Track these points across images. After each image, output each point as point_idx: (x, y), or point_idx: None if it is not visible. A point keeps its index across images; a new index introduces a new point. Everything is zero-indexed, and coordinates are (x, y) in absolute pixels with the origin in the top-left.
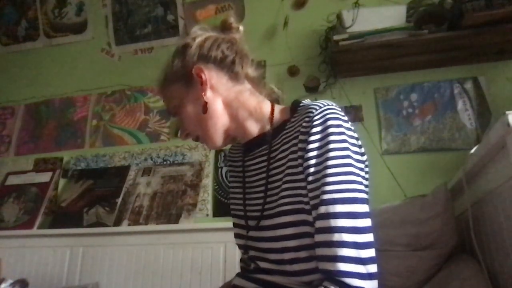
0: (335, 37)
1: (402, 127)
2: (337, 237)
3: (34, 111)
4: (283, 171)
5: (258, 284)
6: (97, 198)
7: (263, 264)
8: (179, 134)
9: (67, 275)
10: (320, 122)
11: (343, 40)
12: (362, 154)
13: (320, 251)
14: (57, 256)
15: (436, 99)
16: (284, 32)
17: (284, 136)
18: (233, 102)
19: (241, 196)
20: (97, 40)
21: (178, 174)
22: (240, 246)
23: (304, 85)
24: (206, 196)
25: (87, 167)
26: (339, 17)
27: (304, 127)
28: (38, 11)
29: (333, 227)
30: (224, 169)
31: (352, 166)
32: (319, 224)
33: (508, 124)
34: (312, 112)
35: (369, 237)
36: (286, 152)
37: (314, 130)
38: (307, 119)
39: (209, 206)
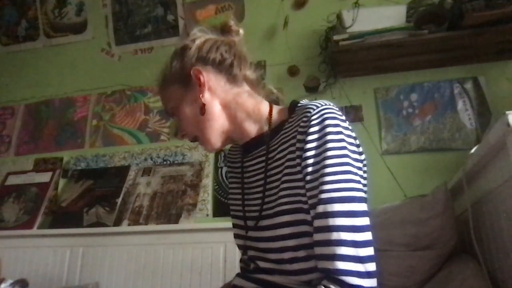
0: (335, 37)
1: (402, 127)
2: (335, 236)
3: (34, 111)
4: (281, 171)
5: (258, 284)
6: (97, 198)
7: (262, 264)
8: (177, 134)
9: (67, 275)
10: (318, 122)
11: (343, 40)
12: (360, 154)
13: (319, 250)
14: (57, 256)
15: (436, 99)
16: (284, 32)
17: (282, 136)
18: (231, 104)
19: (240, 196)
20: (97, 40)
21: (178, 174)
22: (239, 246)
23: (304, 85)
24: (206, 196)
25: (87, 167)
26: (339, 17)
27: (302, 127)
28: (38, 11)
29: (331, 226)
30: (224, 169)
31: (350, 165)
32: (318, 223)
33: (508, 124)
34: (310, 112)
35: (367, 236)
36: (284, 152)
37: (312, 129)
38: (304, 119)
39: (209, 206)
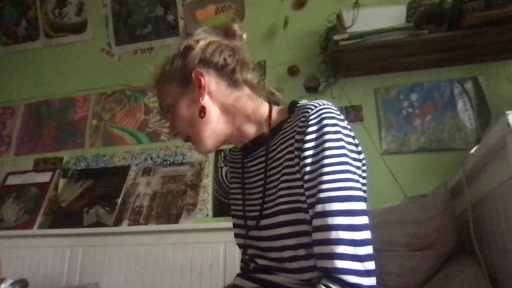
0: (335, 37)
1: (402, 127)
2: (334, 235)
3: (34, 111)
4: (280, 171)
5: (258, 284)
6: (97, 198)
7: (263, 262)
8: (169, 132)
9: (67, 275)
10: (316, 122)
11: (343, 40)
12: (358, 153)
13: (318, 249)
14: (57, 256)
15: (436, 99)
16: (284, 32)
17: (281, 137)
18: (230, 108)
19: (240, 197)
20: (97, 40)
21: (178, 174)
22: (240, 246)
23: (304, 85)
24: (206, 196)
25: (87, 167)
26: (339, 17)
27: (300, 126)
28: (38, 11)
29: (330, 225)
30: (224, 169)
31: (348, 164)
32: (316, 222)
33: (508, 124)
34: (308, 112)
35: (366, 235)
36: (283, 152)
37: (310, 129)
38: (303, 118)
39: (209, 206)
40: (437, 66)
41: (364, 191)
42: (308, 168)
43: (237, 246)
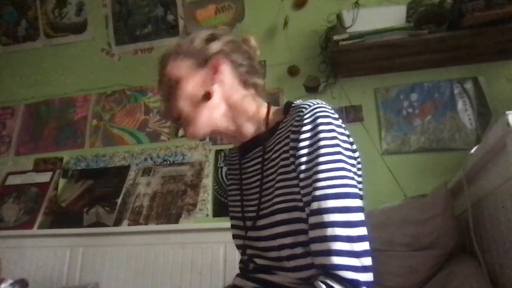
0: (335, 37)
1: (402, 127)
2: (330, 231)
3: (34, 111)
4: (276, 171)
5: (257, 283)
6: (97, 198)
7: (262, 262)
8: (161, 112)
9: (67, 275)
10: (310, 121)
11: (343, 40)
12: (353, 151)
13: (315, 247)
14: (57, 256)
15: (436, 99)
16: (284, 32)
17: (277, 137)
18: (235, 103)
19: (238, 198)
20: (97, 40)
21: (178, 174)
22: (238, 247)
23: (304, 85)
24: (206, 196)
25: (87, 167)
26: (339, 17)
27: (295, 126)
28: (38, 11)
29: (326, 222)
30: (224, 169)
31: (343, 162)
32: (313, 220)
33: (508, 124)
34: (302, 111)
35: (362, 231)
36: (279, 152)
37: (305, 128)
38: (297, 118)
39: (209, 206)
40: (437, 66)
41: (360, 189)
42: (303, 167)
43: (236, 247)
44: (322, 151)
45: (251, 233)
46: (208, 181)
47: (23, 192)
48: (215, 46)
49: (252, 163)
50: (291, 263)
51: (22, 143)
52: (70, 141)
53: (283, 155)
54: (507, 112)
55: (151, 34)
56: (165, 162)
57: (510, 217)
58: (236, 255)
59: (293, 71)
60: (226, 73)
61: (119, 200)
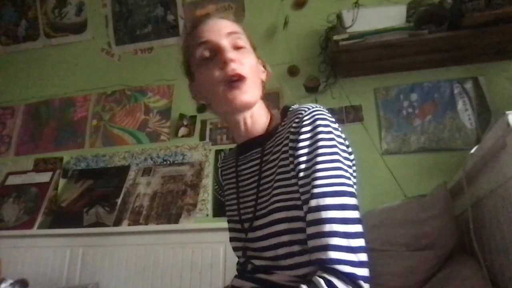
0: (335, 37)
1: (402, 127)
2: (328, 227)
3: (34, 111)
4: (274, 172)
5: (256, 283)
6: (97, 198)
7: (259, 262)
8: (228, 54)
9: (67, 275)
10: (309, 123)
11: (343, 40)
12: (349, 154)
13: (312, 243)
14: (57, 256)
15: (436, 99)
16: (284, 32)
17: (276, 139)
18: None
19: (235, 201)
20: (97, 40)
21: (178, 174)
22: (236, 249)
23: (304, 85)
24: (206, 196)
25: (87, 167)
26: (339, 17)
27: (294, 127)
28: (38, 11)
29: (324, 218)
30: (219, 171)
31: (340, 162)
32: (310, 217)
33: (508, 124)
34: (302, 114)
35: (358, 228)
36: (277, 154)
37: (304, 129)
38: (296, 120)
39: (209, 206)
40: (437, 66)
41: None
42: (302, 166)
43: (233, 249)
44: (321, 151)
45: (249, 235)
46: (208, 181)
47: (23, 192)
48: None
49: (249, 165)
50: (288, 261)
51: (22, 143)
52: (70, 141)
53: (282, 156)
54: (507, 112)
55: (151, 34)
56: (165, 162)
57: (510, 217)
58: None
59: (293, 71)
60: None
61: (119, 200)
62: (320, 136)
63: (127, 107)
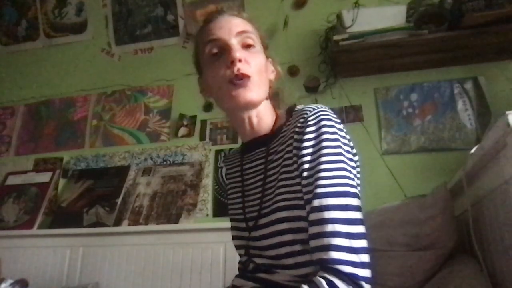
0: (335, 37)
1: (402, 127)
2: (330, 228)
3: (34, 111)
4: (278, 171)
5: (257, 283)
6: (97, 198)
7: (261, 261)
8: (235, 54)
9: (67, 275)
10: (314, 123)
11: (343, 40)
12: (354, 155)
13: (314, 243)
14: (57, 256)
15: (436, 99)
16: (284, 32)
17: (280, 139)
18: (266, 100)
19: (240, 200)
20: (97, 40)
21: (178, 174)
22: (238, 247)
23: (304, 85)
24: (206, 196)
25: (87, 167)
26: (339, 17)
27: (299, 127)
28: (38, 11)
29: (326, 218)
30: (224, 169)
31: (344, 163)
32: (313, 216)
33: (508, 124)
34: (307, 114)
35: (361, 229)
36: (282, 153)
37: (309, 129)
38: (301, 119)
39: (209, 206)
40: (437, 66)
41: (359, 191)
42: (306, 166)
43: (235, 248)
44: (325, 151)
45: (253, 233)
46: (208, 181)
47: (23, 192)
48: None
49: (254, 164)
50: (290, 261)
51: (22, 143)
52: (70, 141)
53: (286, 155)
54: (507, 112)
55: (151, 34)
56: (165, 162)
57: (510, 217)
58: (236, 255)
59: (293, 71)
60: (273, 72)
61: (119, 200)
62: (325, 136)
63: (127, 107)
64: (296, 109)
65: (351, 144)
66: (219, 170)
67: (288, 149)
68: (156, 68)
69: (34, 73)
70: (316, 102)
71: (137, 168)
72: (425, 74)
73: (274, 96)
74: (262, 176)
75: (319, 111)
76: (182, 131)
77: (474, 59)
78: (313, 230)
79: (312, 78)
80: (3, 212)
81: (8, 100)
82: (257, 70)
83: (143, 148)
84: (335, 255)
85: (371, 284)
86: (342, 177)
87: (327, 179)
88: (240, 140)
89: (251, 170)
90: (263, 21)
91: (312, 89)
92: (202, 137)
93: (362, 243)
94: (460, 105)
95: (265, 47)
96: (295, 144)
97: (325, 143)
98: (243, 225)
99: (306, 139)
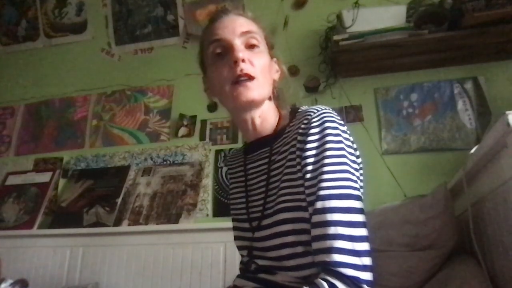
0: (335, 37)
1: (402, 127)
2: (332, 230)
3: (34, 111)
4: (281, 171)
5: (258, 283)
6: (97, 198)
7: (263, 262)
8: (238, 54)
9: (67, 275)
10: (318, 124)
11: (343, 40)
12: (357, 157)
13: (316, 245)
14: (57, 256)
15: (436, 99)
16: (284, 32)
17: (283, 140)
18: (270, 101)
19: (243, 200)
20: (97, 40)
21: (178, 174)
22: (240, 248)
23: (304, 85)
24: (206, 196)
25: (87, 167)
26: (339, 17)
27: (302, 128)
28: (38, 11)
29: (329, 221)
30: (224, 169)
31: (348, 165)
32: (316, 218)
33: (508, 124)
34: (310, 115)
35: (363, 231)
36: (285, 154)
37: (312, 131)
38: (305, 121)
39: (209, 206)
40: (437, 66)
41: (362, 193)
42: (309, 168)
43: (237, 249)
44: (328, 153)
45: (256, 234)
46: (208, 181)
47: (23, 192)
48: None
49: (257, 164)
50: (291, 262)
51: (22, 143)
52: (70, 141)
53: (290, 156)
54: (507, 112)
55: (151, 34)
56: (165, 162)
57: (510, 217)
58: (236, 255)
59: (293, 71)
60: (278, 71)
61: (119, 200)
62: (328, 138)
63: (127, 107)
64: (299, 110)
65: (355, 146)
66: (219, 170)
67: (291, 150)
68: (156, 68)
69: (34, 73)
70: (316, 102)
71: (137, 168)
72: (425, 74)
73: (278, 96)
74: (265, 176)
75: (323, 113)
76: (182, 131)
77: (474, 59)
78: (316, 232)
79: (312, 78)
80: (3, 212)
81: (8, 100)
82: (260, 71)
83: (143, 148)
84: (337, 257)
85: (372, 287)
86: (345, 179)
87: (330, 181)
88: (240, 140)
89: (254, 170)
90: (263, 21)
91: (312, 89)
92: (202, 137)
93: (365, 246)
94: (460, 105)
95: (270, 47)
96: (298, 145)
97: (328, 145)
98: (246, 225)
99: (310, 140)
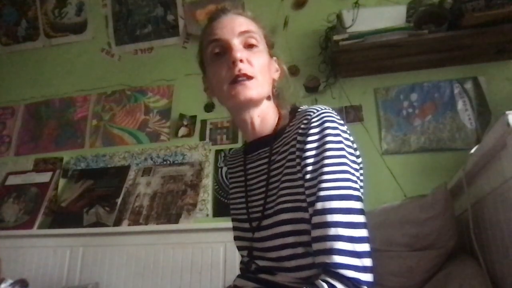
0: (335, 37)
1: (402, 127)
2: (333, 231)
3: (34, 111)
4: (281, 172)
5: (258, 284)
6: (97, 198)
7: (263, 263)
8: (236, 54)
9: (67, 275)
10: (318, 124)
11: (343, 40)
12: (357, 157)
13: (317, 246)
14: (57, 256)
15: (436, 99)
16: (284, 32)
17: (283, 140)
18: (271, 97)
19: (243, 200)
20: (97, 40)
21: (178, 174)
22: (240, 248)
23: (304, 85)
24: (206, 196)
25: (87, 167)
26: (339, 17)
27: (302, 128)
28: (38, 11)
29: (329, 222)
30: (224, 169)
31: (348, 165)
32: (316, 219)
33: (508, 124)
34: (310, 115)
35: (364, 232)
36: (285, 154)
37: (312, 131)
38: (305, 121)
39: (209, 206)
40: (437, 66)
41: (362, 194)
42: (309, 168)
43: (237, 249)
44: (328, 153)
45: (256, 234)
46: (208, 181)
47: (23, 192)
48: (273, 41)
49: (257, 163)
50: (292, 263)
51: (22, 143)
52: (70, 141)
53: (289, 156)
54: (507, 112)
55: (151, 34)
56: (165, 162)
57: (510, 217)
58: (236, 255)
59: (293, 71)
60: (278, 71)
61: (119, 200)
62: (328, 138)
63: (127, 107)
64: (299, 109)
65: (355, 146)
66: (219, 170)
67: (291, 150)
68: (156, 68)
69: (34, 73)
70: (316, 102)
71: (137, 168)
72: (425, 74)
73: (277, 96)
74: (265, 176)
75: (323, 113)
76: (182, 131)
77: (474, 59)
78: (316, 233)
79: (312, 78)
80: (3, 212)
81: (8, 100)
82: (259, 70)
83: (143, 148)
84: (337, 259)
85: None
86: (345, 180)
87: (330, 181)
88: (240, 140)
89: (254, 170)
90: (263, 21)
91: (312, 89)
92: (202, 137)
93: (365, 247)
94: (460, 105)
95: (270, 46)
96: (298, 145)
97: (328, 145)
98: (246, 225)
99: (310, 140)
